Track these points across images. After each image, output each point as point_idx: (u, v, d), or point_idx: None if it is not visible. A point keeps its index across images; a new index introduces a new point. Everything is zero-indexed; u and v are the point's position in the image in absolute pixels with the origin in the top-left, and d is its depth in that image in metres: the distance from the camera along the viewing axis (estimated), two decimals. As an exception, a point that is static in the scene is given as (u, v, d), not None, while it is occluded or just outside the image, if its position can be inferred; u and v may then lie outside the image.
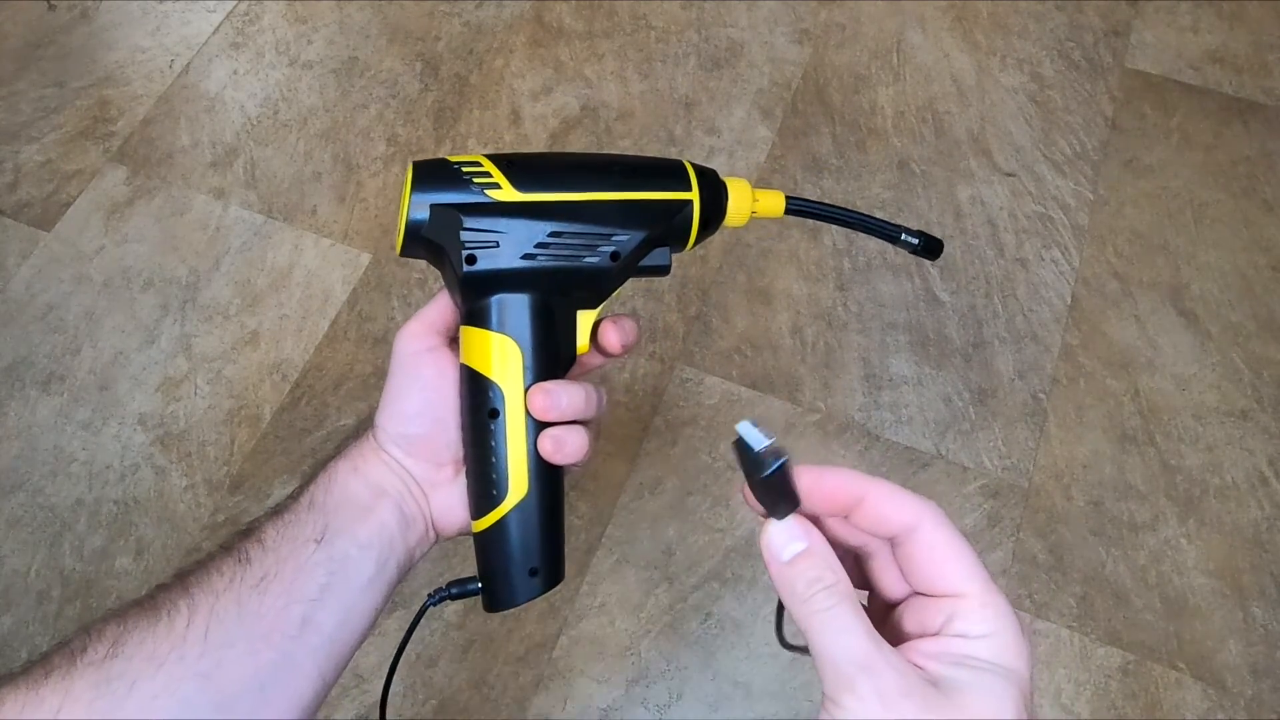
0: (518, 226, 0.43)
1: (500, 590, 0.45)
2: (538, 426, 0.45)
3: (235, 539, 0.43)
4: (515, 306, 0.44)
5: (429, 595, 0.46)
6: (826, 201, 0.50)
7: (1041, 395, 0.90)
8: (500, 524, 0.45)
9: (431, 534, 0.47)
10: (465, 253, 0.43)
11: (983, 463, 0.87)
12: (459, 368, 0.46)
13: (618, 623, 0.80)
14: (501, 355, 0.44)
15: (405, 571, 0.46)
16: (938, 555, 0.32)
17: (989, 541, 0.83)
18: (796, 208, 0.48)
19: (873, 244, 0.98)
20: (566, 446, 0.45)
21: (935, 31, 1.12)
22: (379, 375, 0.92)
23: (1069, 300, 0.95)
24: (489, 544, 0.45)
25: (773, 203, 0.48)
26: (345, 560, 0.43)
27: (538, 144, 1.05)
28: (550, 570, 0.46)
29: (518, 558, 0.45)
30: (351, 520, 0.44)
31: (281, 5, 1.15)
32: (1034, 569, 0.82)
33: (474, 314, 0.45)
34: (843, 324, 0.94)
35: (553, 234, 0.44)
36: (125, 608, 0.40)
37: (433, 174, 0.43)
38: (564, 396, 0.44)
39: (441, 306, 0.47)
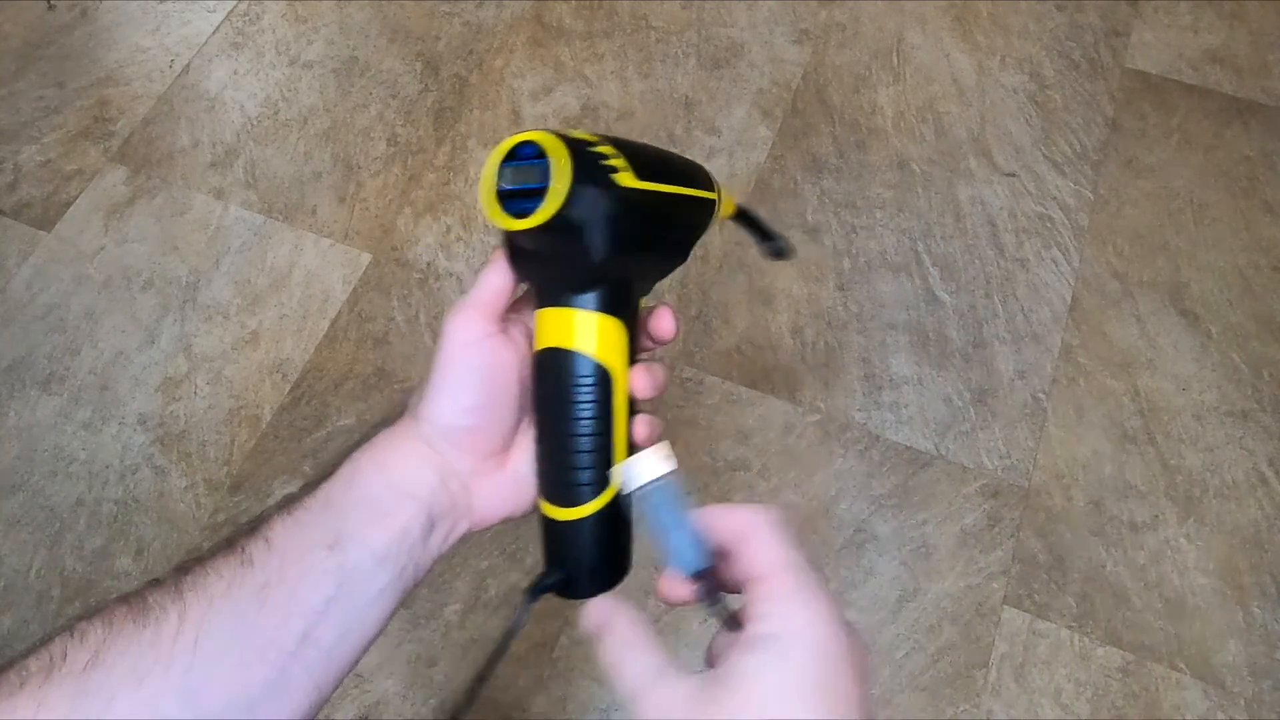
0: (636, 213, 0.44)
1: (597, 577, 0.46)
2: (631, 410, 0.45)
3: (240, 535, 0.40)
4: (622, 290, 0.45)
5: (526, 593, 0.45)
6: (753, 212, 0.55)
7: (1041, 395, 0.90)
8: (607, 509, 0.44)
9: (462, 526, 0.45)
10: (601, 235, 0.42)
11: (983, 463, 0.87)
12: (520, 354, 0.45)
13: (618, 623, 0.80)
14: (610, 338, 0.44)
15: (424, 575, 0.44)
16: (749, 549, 0.35)
17: (989, 541, 0.83)
18: (740, 212, 0.53)
19: (873, 244, 0.98)
20: (656, 428, 0.45)
21: (935, 31, 1.12)
22: (379, 375, 0.92)
23: (1069, 300, 0.95)
24: (587, 532, 0.45)
25: (730, 208, 0.51)
26: (356, 571, 0.40)
27: (538, 144, 1.05)
28: (629, 554, 0.47)
29: (616, 544, 0.45)
30: (368, 524, 0.41)
31: (281, 5, 1.15)
32: (1034, 569, 0.82)
33: (588, 297, 0.44)
34: (843, 324, 0.94)
35: (660, 222, 0.45)
36: (113, 607, 0.38)
37: (577, 151, 0.41)
38: (660, 376, 0.45)
39: (495, 290, 0.44)
